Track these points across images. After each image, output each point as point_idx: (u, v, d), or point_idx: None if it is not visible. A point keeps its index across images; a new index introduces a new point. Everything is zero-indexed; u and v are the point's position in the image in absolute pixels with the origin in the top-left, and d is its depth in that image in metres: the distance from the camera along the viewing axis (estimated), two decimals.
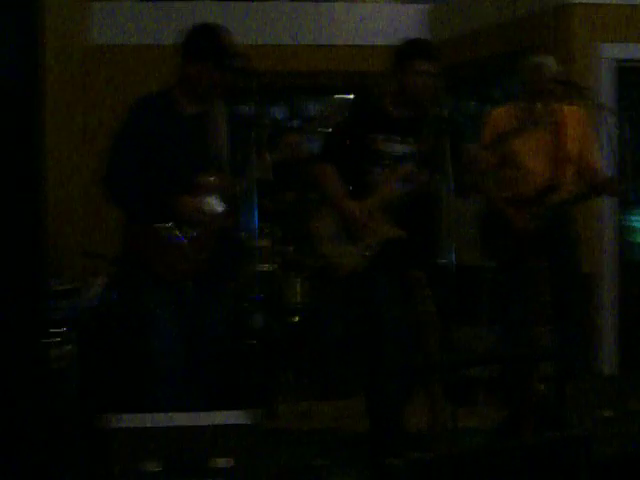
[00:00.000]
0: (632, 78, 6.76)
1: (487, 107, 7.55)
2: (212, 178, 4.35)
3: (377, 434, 4.73)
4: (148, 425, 3.36)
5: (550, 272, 5.19)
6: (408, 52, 4.73)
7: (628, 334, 6.60)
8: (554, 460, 3.49)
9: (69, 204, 6.85)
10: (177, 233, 4.31)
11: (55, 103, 6.53)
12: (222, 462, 3.32)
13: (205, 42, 4.35)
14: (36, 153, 3.30)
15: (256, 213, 4.07)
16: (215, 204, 4.35)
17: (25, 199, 3.11)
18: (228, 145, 4.44)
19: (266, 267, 6.16)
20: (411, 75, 4.67)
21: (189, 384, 4.41)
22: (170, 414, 3.46)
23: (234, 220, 4.43)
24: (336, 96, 7.96)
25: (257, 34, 7.49)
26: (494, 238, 5.42)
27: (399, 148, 4.75)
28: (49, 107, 6.33)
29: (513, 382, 5.31)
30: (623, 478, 3.99)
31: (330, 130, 4.87)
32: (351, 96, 4.44)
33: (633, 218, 6.93)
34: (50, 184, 6.24)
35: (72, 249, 6.36)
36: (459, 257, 4.46)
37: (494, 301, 6.29)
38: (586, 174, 5.49)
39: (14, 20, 3.01)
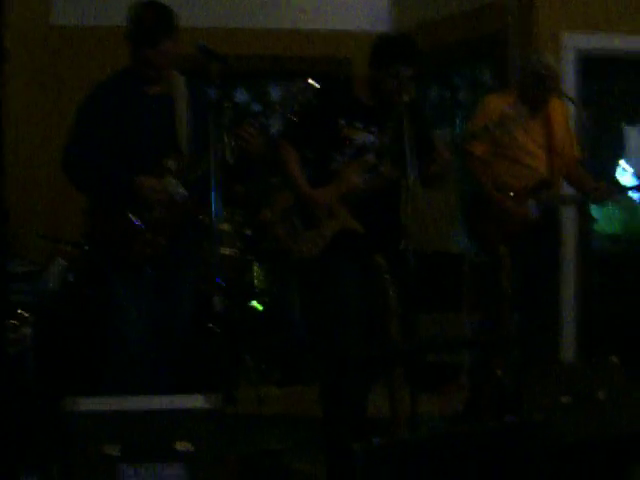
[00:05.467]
0: (595, 68, 6.78)
1: (447, 94, 7.58)
2: (172, 161, 4.33)
3: (334, 420, 4.72)
4: (107, 409, 3.36)
5: (526, 261, 5.21)
6: (390, 54, 4.58)
7: (587, 321, 6.65)
8: (513, 446, 3.52)
9: (32, 186, 6.80)
10: (133, 216, 4.28)
11: (17, 85, 6.47)
12: (181, 446, 3.32)
13: (152, 21, 4.29)
14: None
15: (218, 197, 4.03)
16: (175, 187, 4.32)
17: None
18: (190, 128, 4.41)
19: (227, 251, 6.14)
20: (388, 77, 4.55)
21: (150, 368, 4.39)
22: (129, 398, 3.45)
23: (196, 204, 4.40)
24: (297, 81, 7.93)
25: (221, 17, 7.45)
26: (481, 224, 5.39)
27: (362, 136, 4.67)
28: (11, 89, 6.27)
29: (476, 368, 5.34)
30: (580, 464, 4.04)
31: (294, 114, 4.80)
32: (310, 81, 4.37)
33: (593, 207, 6.96)
34: (12, 166, 6.19)
35: (33, 231, 6.31)
36: (431, 244, 4.45)
37: (466, 288, 6.32)
38: (567, 168, 5.49)
39: None
